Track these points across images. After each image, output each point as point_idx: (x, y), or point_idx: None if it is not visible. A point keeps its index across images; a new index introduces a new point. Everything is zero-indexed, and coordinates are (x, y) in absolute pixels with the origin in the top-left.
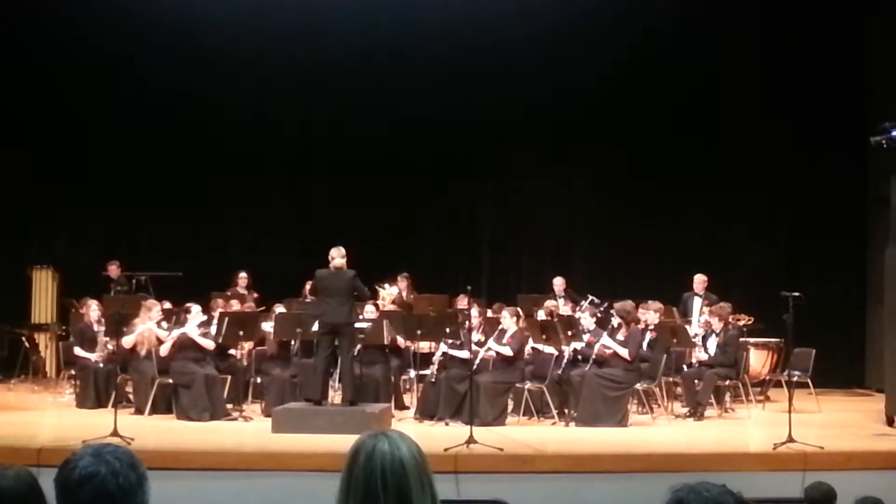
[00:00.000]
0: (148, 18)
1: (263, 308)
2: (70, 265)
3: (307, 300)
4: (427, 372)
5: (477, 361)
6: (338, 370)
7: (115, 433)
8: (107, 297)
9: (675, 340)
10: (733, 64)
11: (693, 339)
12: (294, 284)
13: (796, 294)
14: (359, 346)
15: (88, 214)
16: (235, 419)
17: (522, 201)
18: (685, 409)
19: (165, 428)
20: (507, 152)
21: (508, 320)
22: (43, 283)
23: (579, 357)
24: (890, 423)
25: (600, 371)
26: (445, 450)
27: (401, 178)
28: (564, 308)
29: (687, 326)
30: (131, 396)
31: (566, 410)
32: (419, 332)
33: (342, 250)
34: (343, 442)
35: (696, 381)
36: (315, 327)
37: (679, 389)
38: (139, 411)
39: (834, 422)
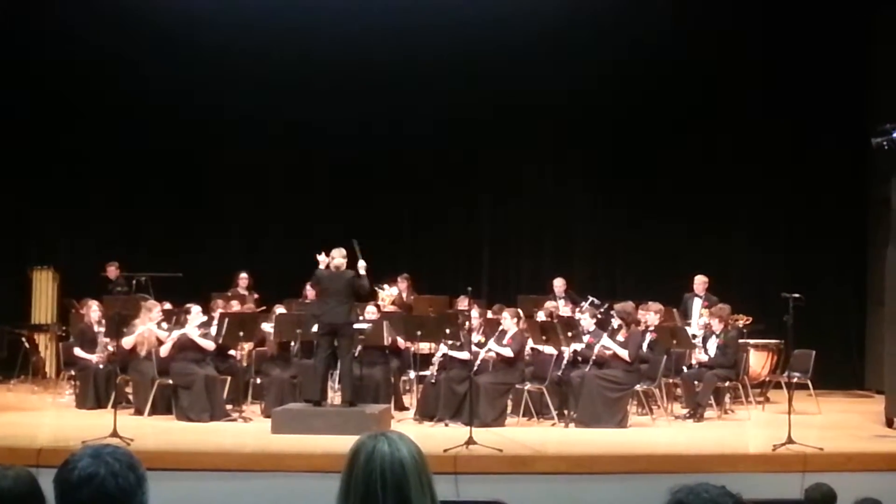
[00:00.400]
0: (148, 18)
1: (263, 308)
2: (70, 266)
3: (307, 301)
4: (427, 373)
5: (477, 362)
6: (337, 371)
7: (114, 434)
8: (107, 297)
9: (674, 342)
10: (733, 64)
11: (693, 341)
12: (294, 285)
13: (796, 295)
14: (359, 347)
15: (88, 215)
16: (235, 420)
17: (522, 202)
18: (685, 411)
19: (165, 429)
20: (508, 152)
21: (509, 321)
22: (43, 284)
23: (579, 358)
24: (889, 424)
25: (600, 372)
26: (445, 451)
27: (401, 178)
28: (564, 309)
29: (687, 327)
30: (131, 397)
31: (566, 411)
32: (419, 332)
33: (342, 251)
34: (343, 443)
35: (695, 383)
36: (314, 328)
37: (679, 391)
38: (139, 412)
39: (833, 423)
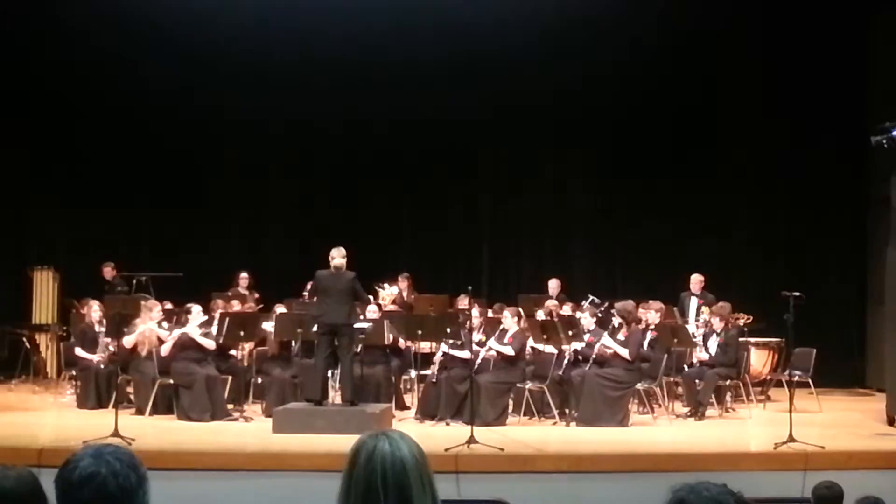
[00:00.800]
0: (148, 18)
1: (262, 306)
2: (71, 266)
3: (307, 300)
4: (428, 372)
5: (478, 361)
6: (338, 370)
7: (115, 434)
8: (108, 297)
9: (675, 340)
10: (733, 64)
11: (693, 339)
12: (294, 284)
13: (797, 294)
14: (360, 347)
15: (89, 215)
16: (236, 419)
17: (522, 201)
18: (686, 409)
19: (166, 428)
20: (507, 152)
21: (509, 320)
22: (44, 284)
23: (580, 357)
24: (890, 422)
25: (601, 371)
26: (446, 450)
27: (401, 178)
28: (565, 308)
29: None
30: (132, 397)
31: (567, 410)
32: (420, 332)
33: (342, 251)
34: (344, 442)
35: (696, 381)
36: (315, 328)
37: (680, 389)
38: (140, 412)
39: (835, 421)
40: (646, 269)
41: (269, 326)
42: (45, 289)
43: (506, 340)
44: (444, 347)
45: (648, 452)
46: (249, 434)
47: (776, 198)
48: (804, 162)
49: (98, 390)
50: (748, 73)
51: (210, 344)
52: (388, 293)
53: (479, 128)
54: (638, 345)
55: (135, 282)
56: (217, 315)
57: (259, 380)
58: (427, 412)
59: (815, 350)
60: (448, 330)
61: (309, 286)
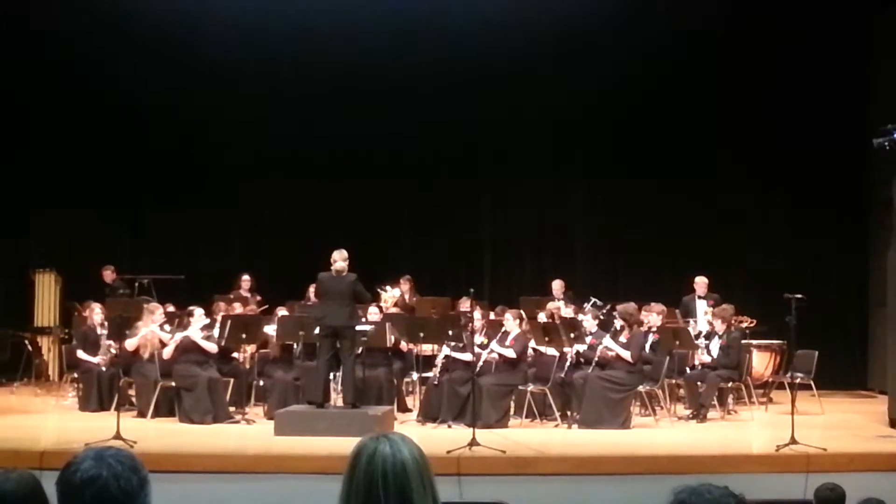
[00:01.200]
0: (148, 19)
1: (265, 308)
2: (72, 268)
3: (310, 303)
4: (430, 374)
5: (479, 364)
6: (340, 373)
7: (117, 436)
8: (110, 300)
9: (677, 342)
10: (733, 64)
11: (697, 341)
12: (296, 287)
13: (799, 296)
14: (361, 349)
15: (90, 216)
16: (238, 422)
17: (523, 203)
18: (688, 411)
19: (168, 431)
20: (508, 153)
21: (511, 322)
22: (46, 287)
23: (582, 359)
24: (893, 424)
25: (603, 373)
26: (448, 452)
27: (401, 179)
28: (567, 310)
29: (691, 329)
30: (134, 399)
31: (569, 412)
32: (422, 334)
33: (344, 253)
34: (345, 444)
35: (698, 383)
36: (317, 330)
37: (682, 391)
38: (142, 414)
39: (837, 423)
40: (648, 270)
41: (270, 329)
42: (46, 291)
43: (507, 343)
44: (445, 350)
45: (650, 455)
46: (251, 436)
47: (777, 199)
48: (805, 163)
49: (100, 393)
50: (748, 73)
51: (212, 347)
52: (390, 295)
53: (480, 128)
54: (640, 347)
55: (136, 284)
56: (219, 318)
57: (261, 382)
58: (429, 414)
59: (816, 352)
60: (450, 332)
61: (311, 288)
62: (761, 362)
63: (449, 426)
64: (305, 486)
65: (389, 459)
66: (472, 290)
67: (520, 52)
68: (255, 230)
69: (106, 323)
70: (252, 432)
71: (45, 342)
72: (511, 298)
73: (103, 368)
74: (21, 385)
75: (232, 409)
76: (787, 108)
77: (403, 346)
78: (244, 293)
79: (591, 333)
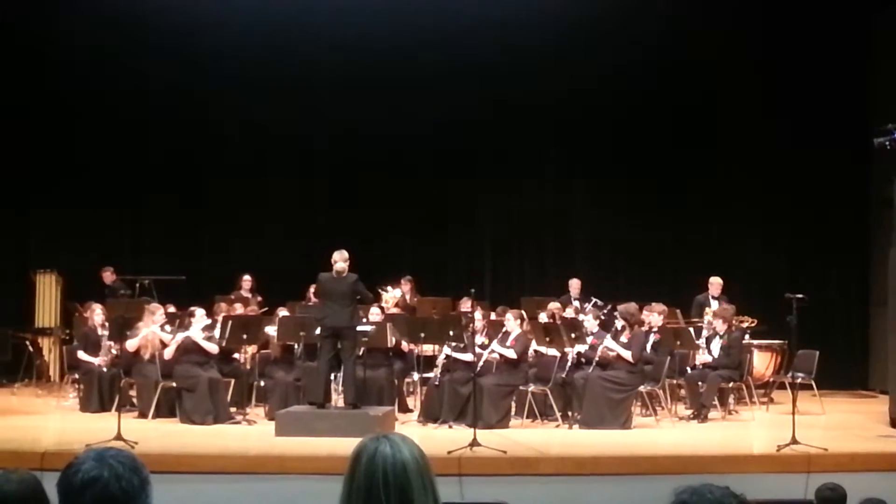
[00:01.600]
0: (148, 18)
1: (265, 309)
2: (73, 269)
3: (310, 303)
4: (431, 375)
5: (480, 364)
6: (341, 373)
7: (118, 437)
8: (111, 300)
9: (678, 342)
10: (733, 64)
11: (697, 342)
12: (297, 287)
13: (800, 296)
14: (362, 349)
15: (90, 217)
16: (239, 423)
17: (524, 203)
18: (689, 412)
19: (169, 431)
20: (509, 153)
21: (512, 323)
22: (46, 287)
23: (583, 359)
24: (894, 424)
25: (604, 373)
26: (449, 452)
27: (402, 179)
28: (568, 310)
29: (704, 328)
30: (135, 400)
31: (569, 413)
32: (423, 335)
33: (345, 254)
34: (346, 445)
35: (699, 384)
36: (318, 331)
37: (683, 391)
38: (143, 415)
39: (838, 423)
40: (648, 270)
41: (271, 329)
42: (47, 292)
43: (508, 343)
44: (446, 350)
45: (651, 455)
46: (252, 437)
47: (777, 199)
48: (805, 163)
49: (101, 393)
50: (748, 73)
51: (213, 347)
52: (391, 296)
53: (479, 128)
54: (641, 347)
55: (137, 285)
56: (220, 318)
57: (262, 383)
58: (430, 415)
59: (818, 352)
60: (451, 332)
61: (312, 289)
62: (762, 362)
63: (450, 426)
64: (306, 486)
65: (390, 460)
66: (472, 290)
67: (520, 51)
68: (256, 230)
69: (107, 323)
70: (253, 433)
71: (45, 343)
72: (512, 299)
73: (104, 369)
74: (22, 386)
75: (233, 409)
76: (787, 108)
77: (404, 346)
78: (245, 294)
79: (591, 333)
